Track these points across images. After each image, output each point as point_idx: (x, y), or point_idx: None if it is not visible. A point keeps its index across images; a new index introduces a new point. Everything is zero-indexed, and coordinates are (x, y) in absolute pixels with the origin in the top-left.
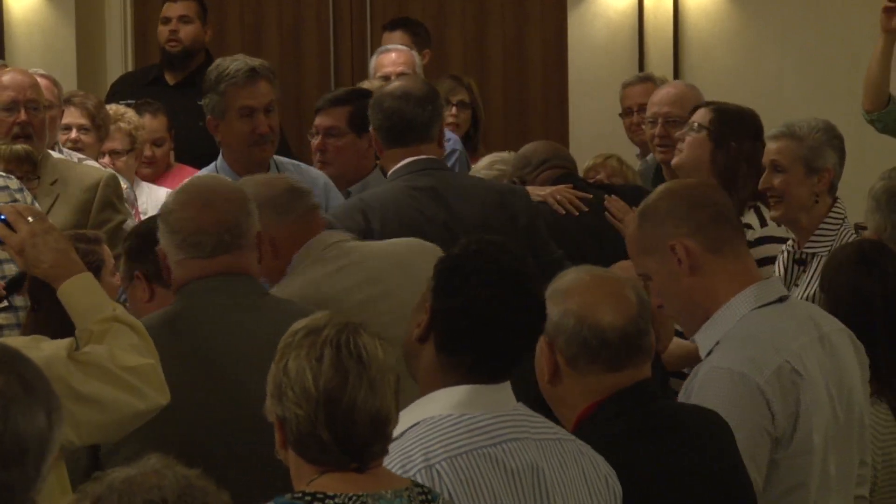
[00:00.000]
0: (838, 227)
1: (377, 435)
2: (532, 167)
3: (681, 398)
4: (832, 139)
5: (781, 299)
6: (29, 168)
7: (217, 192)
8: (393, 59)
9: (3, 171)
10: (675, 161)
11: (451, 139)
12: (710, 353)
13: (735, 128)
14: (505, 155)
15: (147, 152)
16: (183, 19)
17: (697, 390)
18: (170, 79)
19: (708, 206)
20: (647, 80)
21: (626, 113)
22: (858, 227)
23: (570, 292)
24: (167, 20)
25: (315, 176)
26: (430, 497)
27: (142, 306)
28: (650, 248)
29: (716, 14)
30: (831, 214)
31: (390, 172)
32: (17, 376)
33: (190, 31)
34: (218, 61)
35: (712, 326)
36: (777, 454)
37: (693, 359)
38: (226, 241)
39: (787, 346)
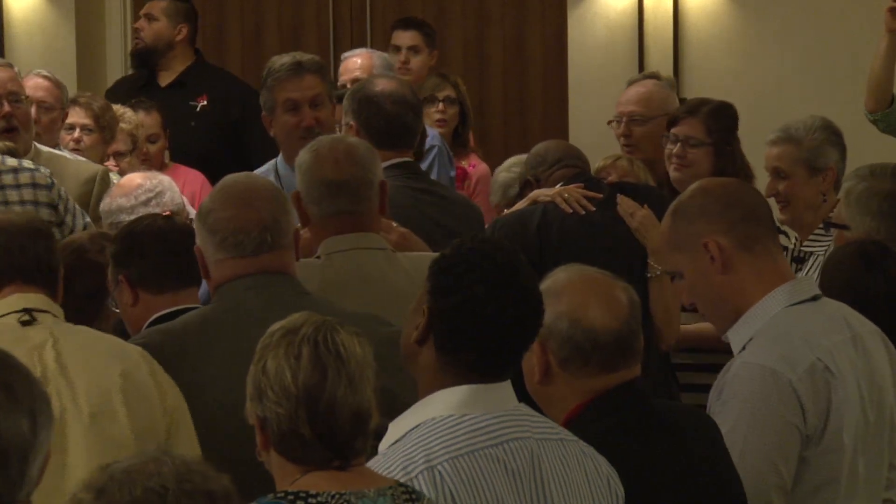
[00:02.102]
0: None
1: (358, 430)
2: (547, 165)
3: (712, 393)
4: (831, 136)
5: (814, 298)
6: None
7: (256, 191)
8: (355, 64)
9: None
10: (677, 176)
11: (431, 135)
12: (742, 349)
13: (726, 130)
14: (524, 157)
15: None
16: (148, 17)
17: (728, 385)
18: (161, 80)
19: (741, 205)
20: (652, 80)
21: None
22: (831, 225)
23: (562, 293)
24: (138, 18)
25: None
26: (414, 497)
27: (127, 310)
28: (682, 246)
29: (716, 14)
30: (832, 214)
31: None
32: None
33: (153, 29)
34: (272, 58)
35: (745, 323)
36: (807, 451)
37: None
38: (267, 242)
39: (819, 344)
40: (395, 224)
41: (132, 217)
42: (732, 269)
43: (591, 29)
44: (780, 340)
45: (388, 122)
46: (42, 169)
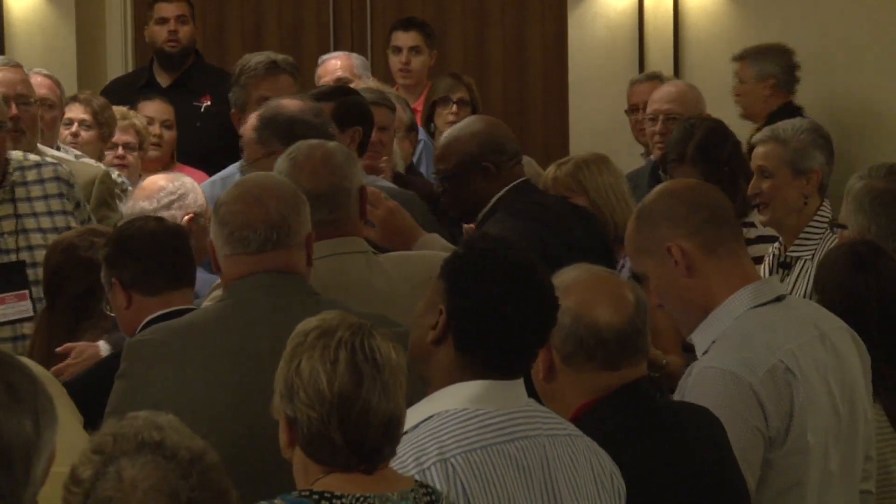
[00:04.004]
0: (823, 230)
1: (389, 438)
2: (508, 156)
3: (675, 397)
4: (818, 139)
5: (779, 298)
6: None
7: (269, 189)
8: (335, 65)
9: None
10: None
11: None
12: (706, 352)
13: (717, 158)
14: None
15: (156, 130)
16: (181, 19)
17: (690, 389)
18: (162, 81)
19: (704, 208)
20: (655, 79)
21: (633, 110)
22: (835, 225)
23: (568, 290)
24: (164, 20)
25: None
26: (434, 497)
27: (121, 313)
28: (647, 249)
29: (716, 14)
30: (816, 217)
31: None
32: (2, 382)
33: (187, 31)
34: (244, 57)
35: (709, 325)
36: (771, 454)
37: None
38: (273, 240)
39: (782, 345)
40: (384, 196)
41: None
42: (697, 273)
43: (592, 29)
44: (742, 343)
45: (319, 136)
46: (61, 166)
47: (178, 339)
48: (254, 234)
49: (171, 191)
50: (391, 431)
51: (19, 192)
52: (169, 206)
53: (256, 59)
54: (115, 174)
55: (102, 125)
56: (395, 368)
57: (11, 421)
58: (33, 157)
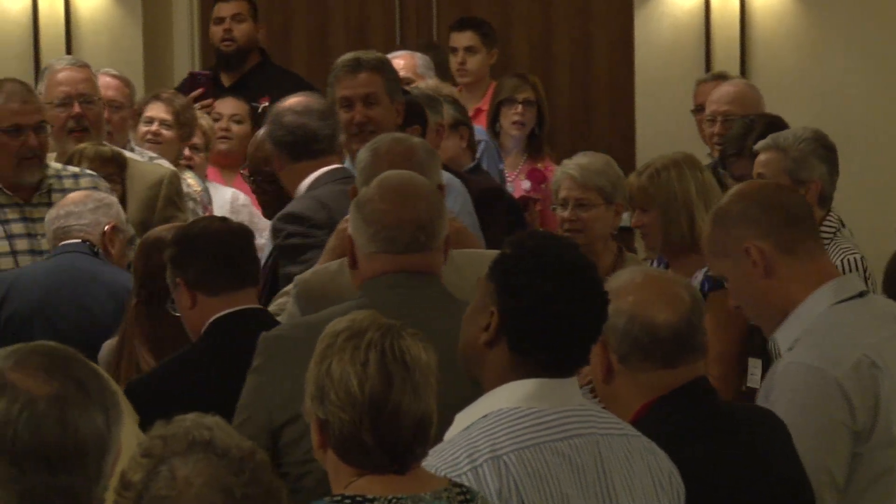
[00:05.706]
0: (828, 241)
1: (420, 438)
2: None
3: (760, 394)
4: (819, 149)
5: (861, 294)
6: (113, 169)
7: (416, 189)
8: (399, 64)
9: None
10: None
11: (477, 129)
12: (790, 349)
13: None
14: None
15: (222, 124)
16: (236, 18)
17: (776, 385)
18: (225, 80)
19: (780, 208)
20: (721, 78)
21: (699, 110)
22: None
23: (622, 291)
24: (220, 20)
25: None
26: (469, 497)
27: (186, 313)
28: (724, 251)
29: (782, 13)
30: (823, 228)
31: (310, 181)
32: (72, 379)
33: (244, 30)
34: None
35: (792, 323)
36: (859, 448)
37: None
38: (420, 241)
39: (865, 340)
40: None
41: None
42: (775, 273)
43: (658, 28)
44: (826, 339)
45: (291, 133)
46: (101, 179)
47: (308, 334)
48: (401, 235)
49: (99, 198)
50: (422, 432)
51: (56, 197)
52: (95, 210)
53: (343, 57)
54: (189, 179)
55: (183, 126)
56: (425, 369)
57: (84, 418)
58: (72, 169)
